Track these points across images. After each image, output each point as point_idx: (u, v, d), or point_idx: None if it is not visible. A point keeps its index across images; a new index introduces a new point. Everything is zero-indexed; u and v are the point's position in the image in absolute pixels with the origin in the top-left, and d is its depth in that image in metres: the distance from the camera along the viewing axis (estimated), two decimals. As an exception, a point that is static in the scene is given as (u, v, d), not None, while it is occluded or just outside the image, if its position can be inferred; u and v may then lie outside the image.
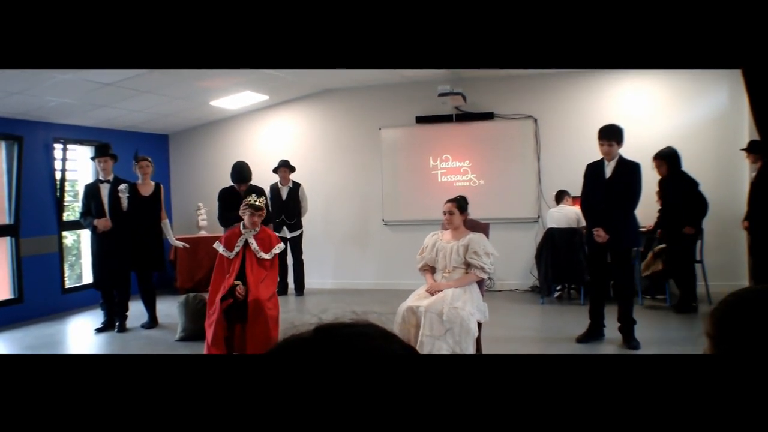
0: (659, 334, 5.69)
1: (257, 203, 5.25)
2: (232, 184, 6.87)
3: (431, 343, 4.40)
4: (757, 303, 1.01)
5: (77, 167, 8.47)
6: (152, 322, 6.88)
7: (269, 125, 9.49)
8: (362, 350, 0.68)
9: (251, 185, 6.85)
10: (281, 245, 5.47)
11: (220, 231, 6.84)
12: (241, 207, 5.31)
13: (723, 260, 7.37)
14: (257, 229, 5.29)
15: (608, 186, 5.40)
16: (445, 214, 5.00)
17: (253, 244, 5.24)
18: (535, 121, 8.39)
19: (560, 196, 7.65)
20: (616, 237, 5.34)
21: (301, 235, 8.51)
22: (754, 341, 0.96)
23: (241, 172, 6.77)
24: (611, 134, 5.39)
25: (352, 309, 0.81)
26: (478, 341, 4.74)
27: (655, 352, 5.14)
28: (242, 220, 5.31)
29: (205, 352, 5.06)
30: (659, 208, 6.85)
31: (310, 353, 0.68)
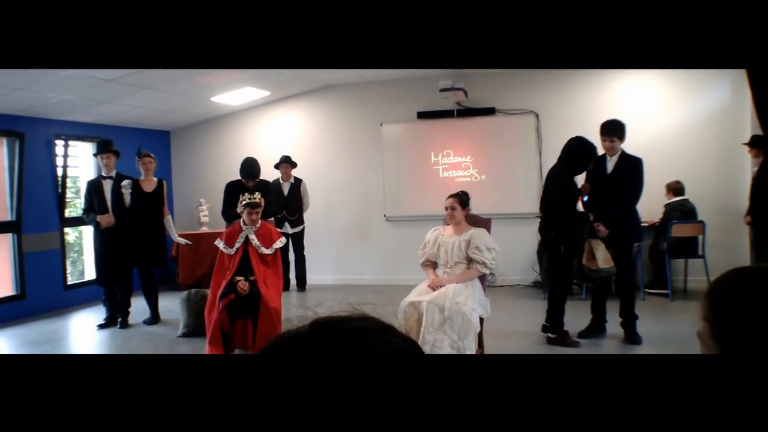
0: (661, 329, 5.69)
1: (253, 200, 5.25)
2: (239, 177, 6.85)
3: (433, 338, 4.40)
4: (751, 281, 1.00)
5: (79, 163, 8.48)
6: (154, 318, 6.89)
7: (270, 121, 9.49)
8: (361, 346, 0.67)
9: (259, 180, 6.84)
10: (282, 239, 5.50)
11: (221, 227, 6.84)
12: (239, 207, 5.33)
13: (725, 255, 7.35)
14: (257, 225, 5.31)
15: (610, 181, 5.39)
16: (446, 209, 5.00)
17: (254, 240, 5.26)
18: (537, 116, 8.37)
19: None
20: (618, 232, 5.33)
21: (302, 231, 8.51)
22: (751, 319, 0.95)
23: (249, 168, 6.73)
24: (613, 130, 5.38)
25: (348, 301, 0.80)
26: (479, 336, 4.74)
27: (657, 347, 5.14)
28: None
29: (206, 348, 5.08)
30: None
31: (306, 350, 0.67)
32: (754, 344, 0.94)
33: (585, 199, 5.63)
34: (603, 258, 5.27)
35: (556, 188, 5.38)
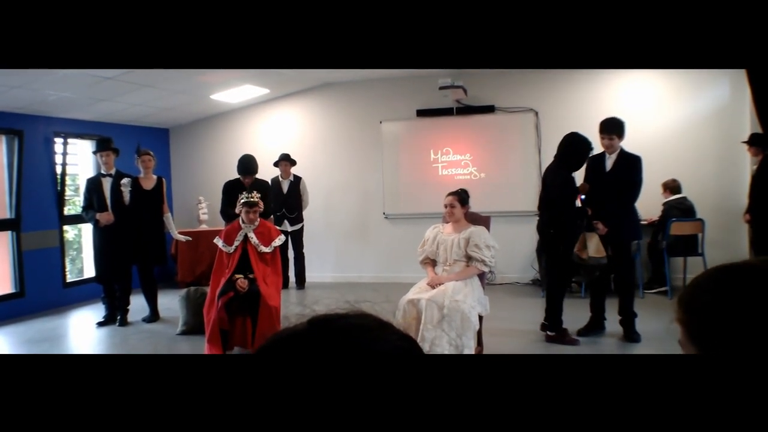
0: (660, 327, 5.68)
1: (251, 199, 5.25)
2: (237, 176, 6.86)
3: (432, 335, 4.40)
4: (720, 279, 1.00)
5: (78, 161, 8.47)
6: (153, 316, 6.89)
7: (270, 119, 9.48)
8: (359, 343, 0.67)
9: (256, 179, 6.85)
10: (281, 237, 5.50)
11: (221, 225, 6.84)
12: (237, 206, 5.34)
13: (724, 254, 7.31)
14: (256, 223, 5.31)
15: (609, 179, 5.39)
16: (446, 207, 5.00)
17: (253, 239, 5.26)
18: (536, 114, 8.37)
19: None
20: (616, 230, 5.33)
21: (302, 229, 8.51)
22: (723, 317, 0.95)
23: (247, 164, 6.77)
24: (612, 128, 5.38)
25: (345, 299, 0.80)
26: (479, 334, 4.74)
27: (656, 345, 5.14)
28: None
29: (205, 347, 5.08)
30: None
31: (304, 348, 0.67)
32: (729, 343, 0.94)
33: (582, 197, 5.63)
34: (594, 248, 5.28)
35: (555, 185, 5.39)
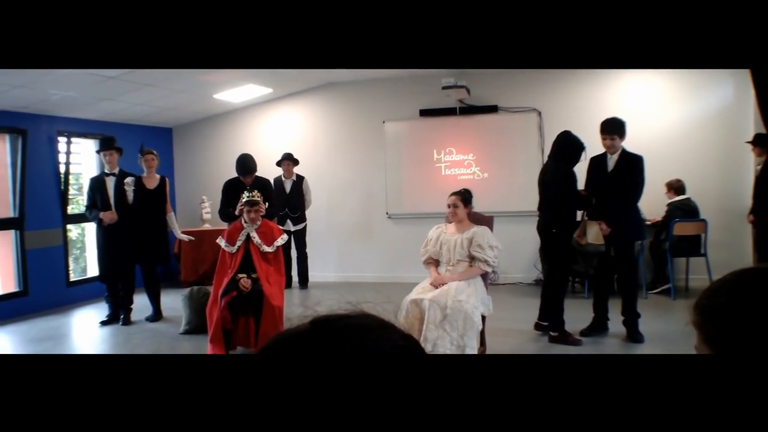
0: (663, 328, 5.68)
1: (252, 198, 5.23)
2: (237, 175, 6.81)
3: (435, 335, 4.40)
4: (739, 283, 1.00)
5: (81, 160, 8.49)
6: (157, 315, 6.90)
7: (273, 118, 9.49)
8: (361, 343, 0.67)
9: (257, 177, 6.75)
10: (284, 236, 5.48)
11: (223, 224, 6.83)
12: (238, 206, 5.31)
13: (727, 254, 7.33)
14: (258, 222, 5.31)
15: (611, 179, 5.38)
16: (449, 207, 5.00)
17: (256, 238, 5.25)
18: (539, 114, 8.36)
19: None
20: (619, 230, 5.33)
21: (304, 229, 8.51)
22: (741, 320, 0.95)
23: (244, 164, 6.65)
24: (613, 128, 5.37)
25: (347, 300, 0.80)
26: (482, 334, 4.74)
27: (659, 346, 5.14)
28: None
29: (208, 347, 5.09)
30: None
31: (306, 348, 0.67)
32: (745, 345, 0.94)
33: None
34: (594, 236, 5.28)
35: (556, 179, 5.39)
